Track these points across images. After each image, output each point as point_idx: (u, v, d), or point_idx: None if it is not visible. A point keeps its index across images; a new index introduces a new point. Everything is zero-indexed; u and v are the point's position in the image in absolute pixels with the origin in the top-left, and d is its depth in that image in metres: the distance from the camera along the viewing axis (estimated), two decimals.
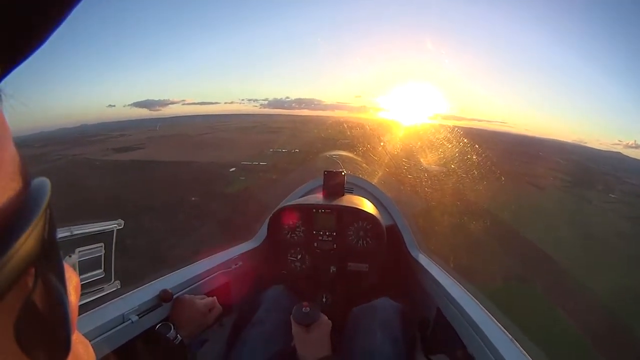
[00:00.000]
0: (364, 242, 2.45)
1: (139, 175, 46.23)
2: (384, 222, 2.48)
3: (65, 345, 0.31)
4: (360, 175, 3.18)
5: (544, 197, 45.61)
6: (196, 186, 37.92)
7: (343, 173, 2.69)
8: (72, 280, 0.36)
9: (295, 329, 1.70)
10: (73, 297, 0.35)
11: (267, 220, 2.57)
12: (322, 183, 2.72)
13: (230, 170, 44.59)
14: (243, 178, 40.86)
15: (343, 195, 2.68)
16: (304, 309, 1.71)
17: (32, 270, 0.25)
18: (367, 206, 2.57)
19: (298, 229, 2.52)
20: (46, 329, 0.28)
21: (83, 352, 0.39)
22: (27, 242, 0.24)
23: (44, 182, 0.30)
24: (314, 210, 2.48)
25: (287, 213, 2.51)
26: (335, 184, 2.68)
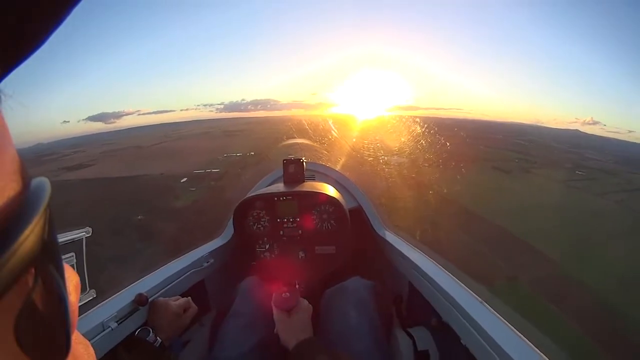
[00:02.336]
0: (328, 224, 2.40)
1: (85, 195, 44.10)
2: (347, 204, 2.44)
3: (65, 345, 0.31)
4: (321, 162, 3.15)
5: (512, 181, 45.77)
6: (143, 202, 35.68)
7: (302, 160, 2.67)
8: (72, 280, 0.36)
9: (277, 314, 1.67)
10: (73, 296, 0.35)
11: (231, 215, 2.44)
12: (282, 173, 2.71)
13: (182, 181, 42.31)
14: (193, 189, 39.09)
15: (303, 181, 2.63)
16: (283, 294, 1.71)
17: (32, 270, 0.25)
18: (328, 190, 2.49)
19: (262, 219, 2.45)
20: (46, 329, 0.28)
21: (83, 351, 0.39)
22: (26, 242, 0.24)
23: (44, 182, 0.30)
24: (275, 198, 2.42)
25: (249, 205, 2.44)
26: (294, 172, 2.65)
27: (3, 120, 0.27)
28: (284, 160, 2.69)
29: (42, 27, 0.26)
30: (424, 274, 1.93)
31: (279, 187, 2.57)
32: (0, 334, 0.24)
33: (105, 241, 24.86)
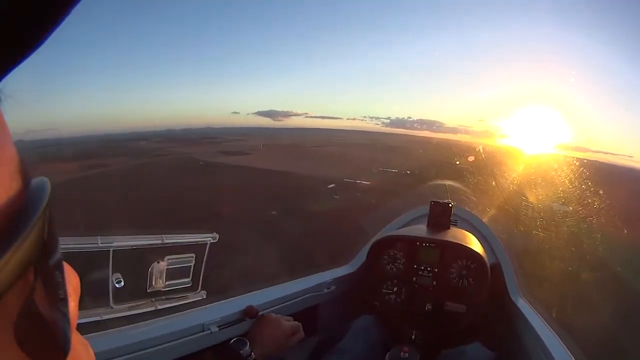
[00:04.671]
0: (466, 281, 2.40)
1: (232, 180, 44.20)
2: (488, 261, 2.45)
3: (64, 345, 0.31)
4: (466, 207, 3.08)
5: None
6: (283, 199, 33.54)
7: (450, 205, 2.69)
8: (72, 281, 0.36)
9: None
10: (73, 297, 0.35)
11: (366, 247, 2.57)
12: (425, 212, 2.75)
13: (329, 186, 39.39)
14: (337, 197, 35.75)
15: (448, 228, 2.66)
16: (402, 353, 1.67)
17: (32, 271, 0.25)
18: (473, 243, 2.51)
19: (398, 261, 2.49)
20: (46, 329, 0.28)
21: (83, 352, 0.38)
22: (26, 242, 0.24)
23: (44, 182, 0.30)
24: (418, 243, 2.47)
25: (389, 242, 2.51)
26: (441, 216, 2.67)
27: (3, 120, 0.27)
28: (431, 201, 2.67)
29: (41, 27, 0.26)
30: (550, 355, 1.82)
31: (422, 229, 2.65)
32: (0, 334, 0.24)
33: (225, 231, 22.66)
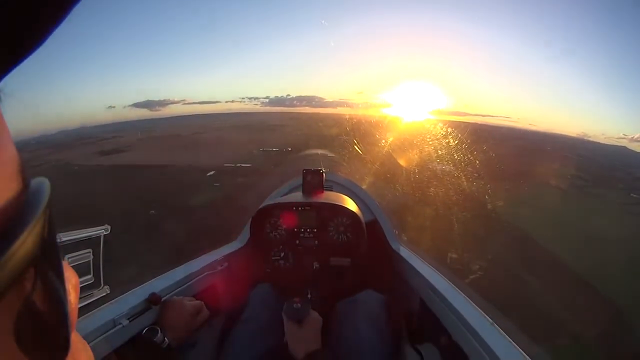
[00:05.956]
0: (345, 237, 2.50)
1: (107, 182, 41.97)
2: (364, 217, 2.49)
3: (64, 345, 0.31)
4: (340, 173, 3.21)
5: (570, 201, 41.66)
6: (161, 195, 32.39)
7: (322, 171, 2.74)
8: (71, 280, 0.36)
9: (287, 325, 1.70)
10: (72, 296, 0.35)
11: (249, 221, 2.54)
12: (301, 182, 2.76)
13: (208, 174, 38.67)
14: (217, 184, 35.36)
15: (322, 192, 2.72)
16: (295, 304, 1.72)
17: (32, 270, 0.25)
18: (346, 202, 2.57)
19: (280, 228, 2.55)
20: (46, 329, 0.28)
21: (82, 351, 0.39)
22: (26, 243, 0.24)
23: (44, 182, 0.30)
24: (294, 208, 2.52)
25: (268, 212, 2.54)
26: (314, 182, 2.72)
27: (3, 120, 0.27)
28: (303, 170, 2.69)
29: (41, 27, 0.26)
30: (436, 291, 1.96)
31: (298, 196, 2.64)
32: (0, 334, 0.24)
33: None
